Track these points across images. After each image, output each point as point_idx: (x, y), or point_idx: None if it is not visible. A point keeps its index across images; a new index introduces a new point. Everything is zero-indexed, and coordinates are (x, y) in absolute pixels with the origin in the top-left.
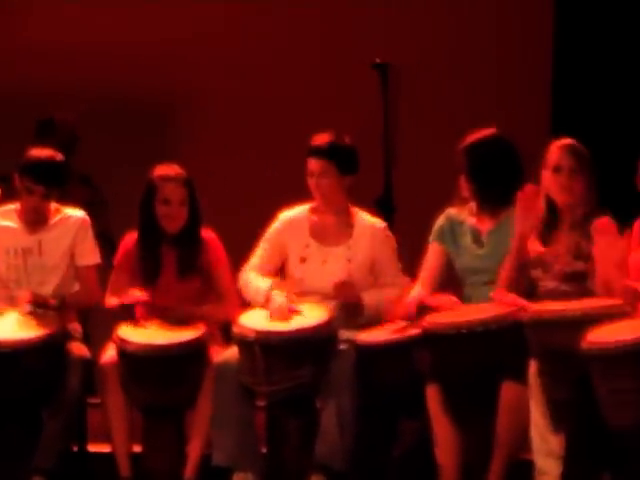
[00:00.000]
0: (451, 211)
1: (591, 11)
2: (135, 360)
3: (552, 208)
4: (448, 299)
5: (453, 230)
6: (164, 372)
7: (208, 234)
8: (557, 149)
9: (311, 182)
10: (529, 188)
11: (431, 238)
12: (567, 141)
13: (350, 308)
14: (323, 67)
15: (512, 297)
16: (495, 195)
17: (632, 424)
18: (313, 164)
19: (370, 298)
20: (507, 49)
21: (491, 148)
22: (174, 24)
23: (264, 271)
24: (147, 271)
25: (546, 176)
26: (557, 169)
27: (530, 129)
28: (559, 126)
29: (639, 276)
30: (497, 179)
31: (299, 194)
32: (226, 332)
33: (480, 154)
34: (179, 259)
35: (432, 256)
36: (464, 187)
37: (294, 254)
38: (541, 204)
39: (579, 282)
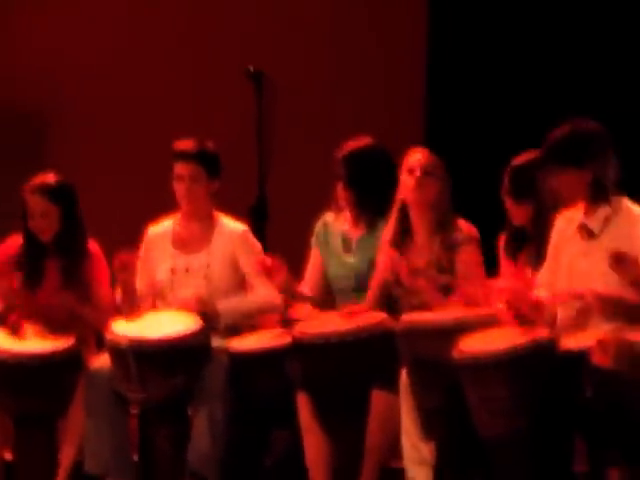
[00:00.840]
0: (327, 216)
1: (465, 24)
2: (5, 368)
3: (405, 217)
4: (307, 310)
5: (326, 235)
6: (35, 380)
7: (92, 246)
8: (412, 153)
9: (180, 187)
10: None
11: (312, 243)
12: (422, 148)
13: (207, 318)
14: (197, 74)
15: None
16: (372, 204)
17: (502, 432)
18: (183, 168)
19: (226, 306)
20: (381, 60)
21: (368, 157)
22: (41, 31)
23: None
24: (28, 279)
25: (402, 180)
26: (410, 170)
27: (403, 140)
28: (432, 138)
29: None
30: (374, 188)
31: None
32: (99, 339)
33: (358, 163)
34: (62, 269)
35: (312, 261)
36: (341, 196)
37: (163, 267)
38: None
39: (444, 294)
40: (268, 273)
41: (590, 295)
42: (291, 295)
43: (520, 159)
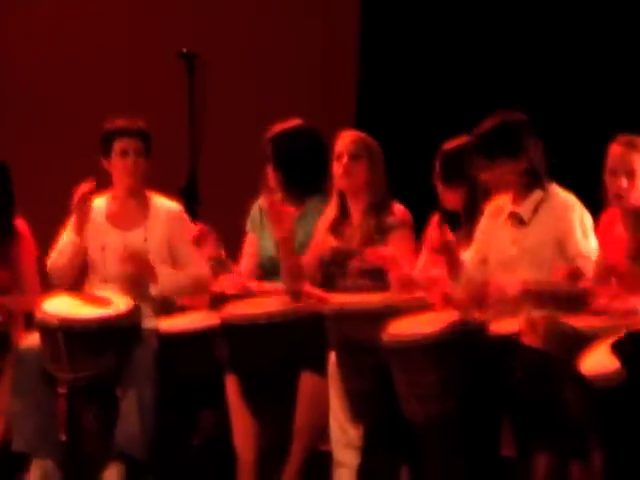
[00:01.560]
0: (262, 200)
1: (397, 6)
2: None
3: (343, 202)
4: (235, 280)
5: (262, 219)
6: None
7: (20, 224)
8: (339, 138)
9: (126, 162)
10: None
11: (247, 227)
12: (350, 131)
13: (144, 280)
14: (130, 55)
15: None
16: (300, 185)
17: (430, 416)
18: (128, 144)
19: (165, 274)
20: (313, 43)
21: (296, 138)
22: None
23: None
24: None
25: (333, 166)
26: (338, 156)
27: (335, 122)
28: (363, 120)
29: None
30: (302, 169)
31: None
32: (28, 318)
33: (285, 144)
34: None
35: (248, 245)
36: (271, 177)
37: (95, 243)
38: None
39: (378, 277)
40: (198, 241)
41: (521, 288)
42: (219, 263)
43: (450, 144)
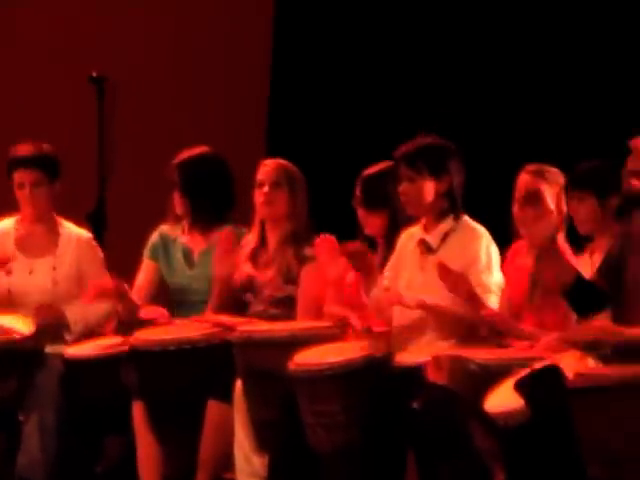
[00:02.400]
0: (164, 228)
1: (309, 34)
2: None
3: (263, 230)
4: (159, 311)
5: (166, 247)
6: None
7: None
8: (261, 166)
9: (22, 193)
10: (227, 232)
11: (145, 254)
12: (272, 159)
13: (54, 327)
14: (39, 79)
15: (222, 317)
16: (206, 213)
17: (335, 446)
18: (23, 176)
19: (75, 313)
20: (224, 69)
21: (203, 165)
22: None
23: None
24: None
25: (255, 194)
26: (260, 184)
27: (246, 150)
28: (274, 148)
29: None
30: (208, 196)
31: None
32: None
33: (192, 171)
34: None
35: (144, 272)
36: (178, 204)
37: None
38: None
39: (289, 307)
40: (108, 294)
41: (416, 304)
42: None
43: (371, 170)
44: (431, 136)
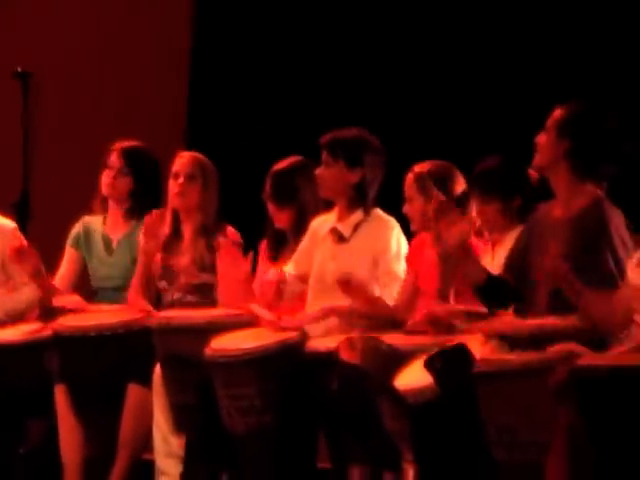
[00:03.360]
0: (86, 218)
1: (229, 29)
2: None
3: (177, 219)
4: (74, 299)
5: (88, 237)
6: None
7: None
8: (177, 158)
9: None
10: (155, 212)
11: (67, 243)
12: (188, 152)
13: None
14: None
15: (141, 303)
16: (140, 201)
17: (249, 428)
18: None
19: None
20: (145, 65)
21: (144, 155)
22: None
23: None
24: None
25: (169, 185)
26: (175, 175)
27: (166, 143)
28: (193, 141)
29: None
30: (146, 183)
31: None
32: None
33: (136, 157)
34: None
35: (67, 260)
36: (107, 185)
37: None
38: (166, 221)
39: (205, 293)
40: (21, 259)
41: (323, 314)
42: (39, 277)
43: (280, 165)
44: (359, 129)
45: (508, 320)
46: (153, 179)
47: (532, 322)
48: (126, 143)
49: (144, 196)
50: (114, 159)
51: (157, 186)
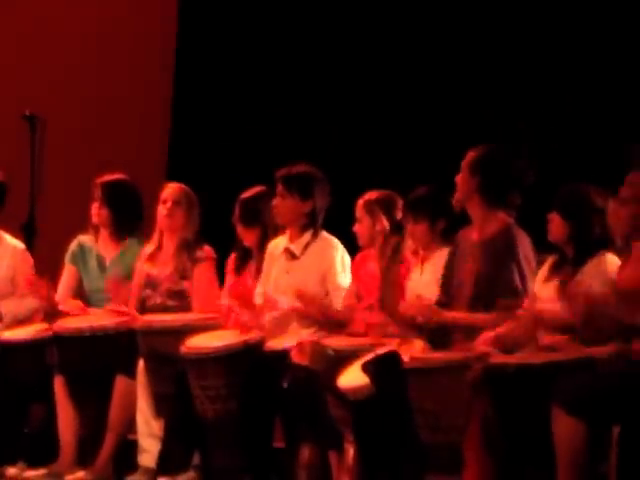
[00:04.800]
0: (82, 238)
1: (210, 65)
2: None
3: (161, 237)
4: (77, 304)
5: (83, 255)
6: None
7: None
8: (165, 188)
9: None
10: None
11: (66, 259)
12: (174, 183)
13: None
14: None
15: (129, 309)
16: (122, 224)
17: (217, 414)
18: None
19: (8, 308)
20: (133, 111)
21: (122, 186)
22: None
23: None
24: None
25: (159, 209)
26: (163, 201)
27: (149, 175)
28: (174, 173)
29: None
30: (124, 211)
31: None
32: None
33: (113, 189)
34: None
35: (66, 274)
36: (95, 215)
37: None
38: (154, 238)
39: (182, 299)
40: (33, 288)
41: (289, 307)
42: (51, 308)
43: (247, 193)
44: (307, 165)
45: (427, 306)
46: (132, 207)
47: (450, 313)
48: (106, 177)
49: (125, 222)
50: (97, 193)
51: (137, 212)
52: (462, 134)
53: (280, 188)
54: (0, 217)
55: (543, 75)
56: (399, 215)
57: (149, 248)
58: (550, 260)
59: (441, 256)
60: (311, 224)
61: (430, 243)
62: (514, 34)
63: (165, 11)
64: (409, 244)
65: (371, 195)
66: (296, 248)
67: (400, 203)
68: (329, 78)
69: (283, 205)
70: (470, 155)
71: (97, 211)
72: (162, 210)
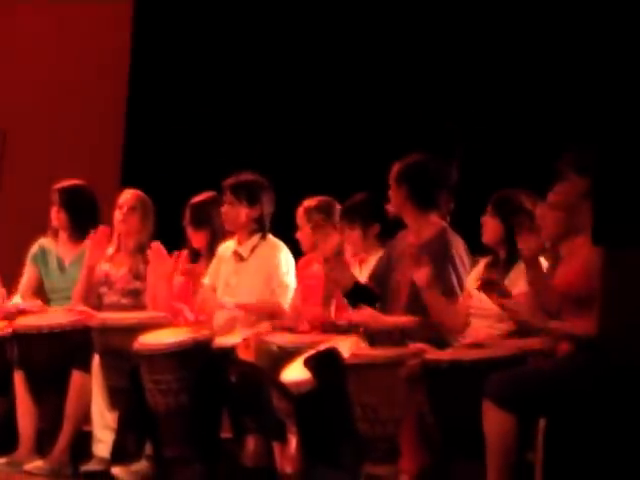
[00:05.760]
0: (42, 240)
1: (163, 77)
2: None
3: (119, 240)
4: (37, 303)
5: (44, 256)
6: None
7: None
8: (122, 194)
9: None
10: (101, 229)
11: (27, 260)
12: (130, 189)
13: None
14: None
15: (84, 308)
16: (79, 227)
17: (168, 406)
18: None
19: None
20: (90, 123)
21: (78, 192)
22: None
23: None
24: None
25: (116, 214)
26: (120, 207)
27: (105, 181)
28: (128, 179)
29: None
30: (80, 215)
31: None
32: None
33: (70, 195)
34: None
35: (27, 274)
36: (54, 218)
37: None
38: (112, 241)
39: (136, 297)
40: None
41: (234, 306)
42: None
43: (197, 198)
44: (252, 173)
45: (369, 313)
46: (88, 210)
47: (387, 318)
48: (64, 183)
49: (82, 225)
50: (55, 198)
51: (93, 215)
52: (398, 138)
53: (228, 196)
54: None
55: (476, 79)
56: (336, 220)
57: (109, 249)
58: (484, 261)
59: (377, 259)
60: (259, 229)
61: (367, 247)
62: (447, 40)
63: (119, 23)
64: (348, 247)
65: (310, 202)
66: (244, 251)
67: (338, 209)
68: (273, 93)
69: (232, 212)
70: (394, 168)
71: (56, 215)
72: (118, 215)
